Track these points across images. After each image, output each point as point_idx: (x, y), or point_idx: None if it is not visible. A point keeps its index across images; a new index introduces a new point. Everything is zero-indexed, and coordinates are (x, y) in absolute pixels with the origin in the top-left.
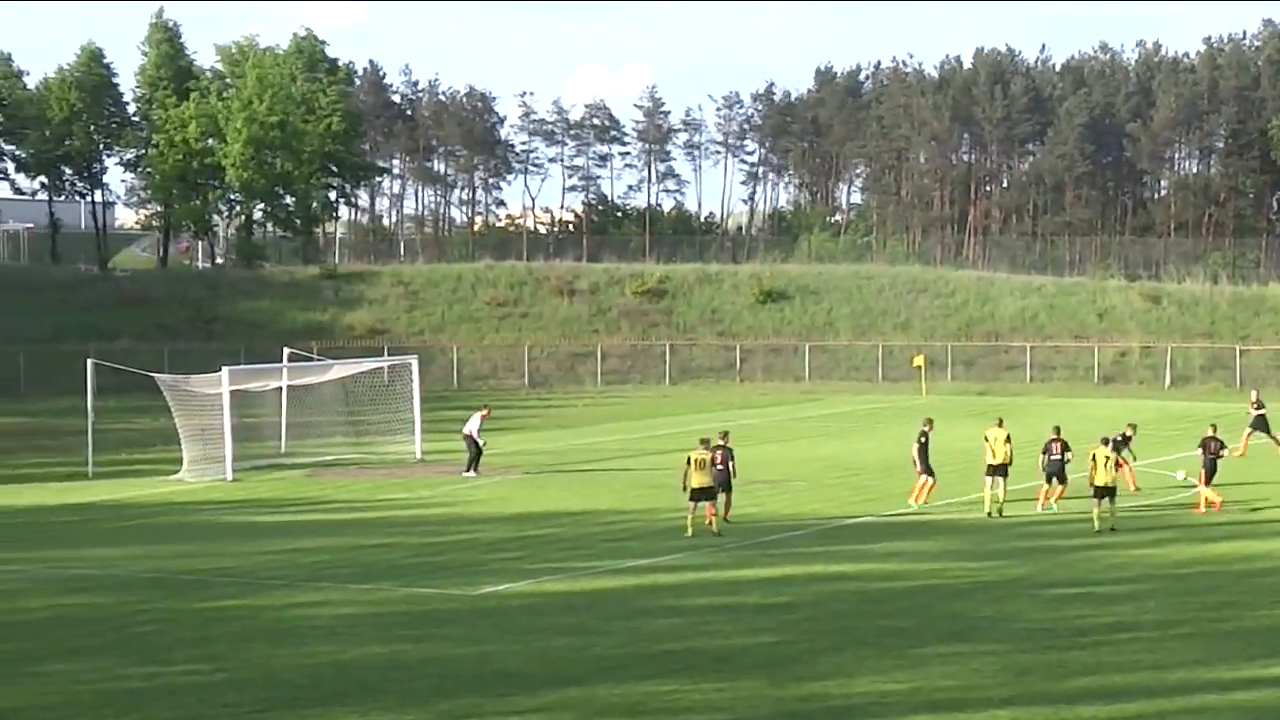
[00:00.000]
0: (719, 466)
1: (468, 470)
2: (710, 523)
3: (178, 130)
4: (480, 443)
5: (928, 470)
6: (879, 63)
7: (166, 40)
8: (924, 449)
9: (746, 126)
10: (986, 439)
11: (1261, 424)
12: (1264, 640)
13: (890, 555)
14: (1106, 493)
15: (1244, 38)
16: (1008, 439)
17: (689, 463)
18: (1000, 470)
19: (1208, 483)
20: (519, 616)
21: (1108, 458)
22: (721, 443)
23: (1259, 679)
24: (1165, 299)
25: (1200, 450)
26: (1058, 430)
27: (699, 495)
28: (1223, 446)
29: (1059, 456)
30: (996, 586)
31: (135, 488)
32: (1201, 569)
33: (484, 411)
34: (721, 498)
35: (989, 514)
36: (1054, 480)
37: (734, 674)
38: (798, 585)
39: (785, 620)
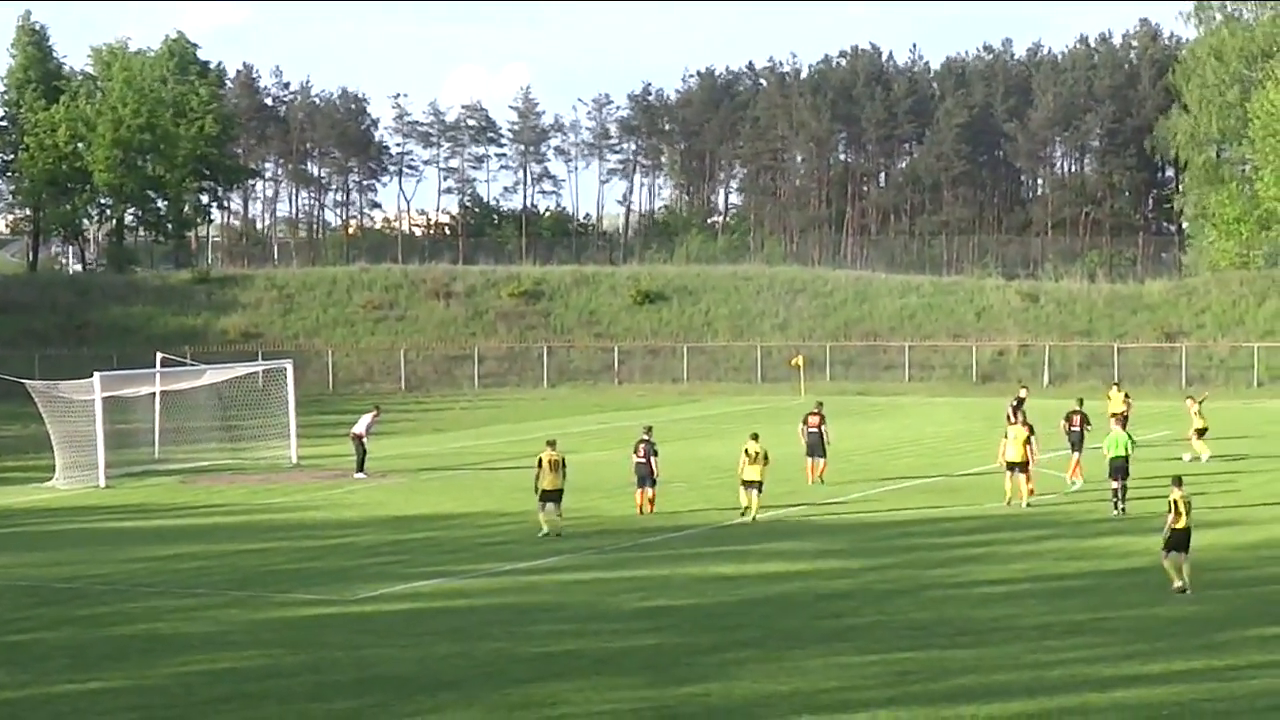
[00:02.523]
0: (641, 459)
1: (359, 472)
2: (555, 523)
3: (47, 134)
4: (366, 443)
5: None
6: (751, 63)
7: (34, 43)
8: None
9: (620, 128)
10: (1007, 436)
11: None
12: (1144, 637)
13: (770, 556)
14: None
15: (1111, 37)
16: (1027, 440)
17: (540, 464)
18: (1018, 467)
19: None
20: (397, 621)
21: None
22: (646, 438)
23: (1140, 676)
24: (1043, 297)
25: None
26: (1080, 402)
27: (548, 497)
28: (1086, 421)
29: (1078, 428)
30: (877, 586)
31: (7, 495)
32: (1080, 566)
33: (374, 413)
34: (648, 491)
35: (1008, 502)
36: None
37: (614, 676)
38: (677, 587)
39: (665, 622)
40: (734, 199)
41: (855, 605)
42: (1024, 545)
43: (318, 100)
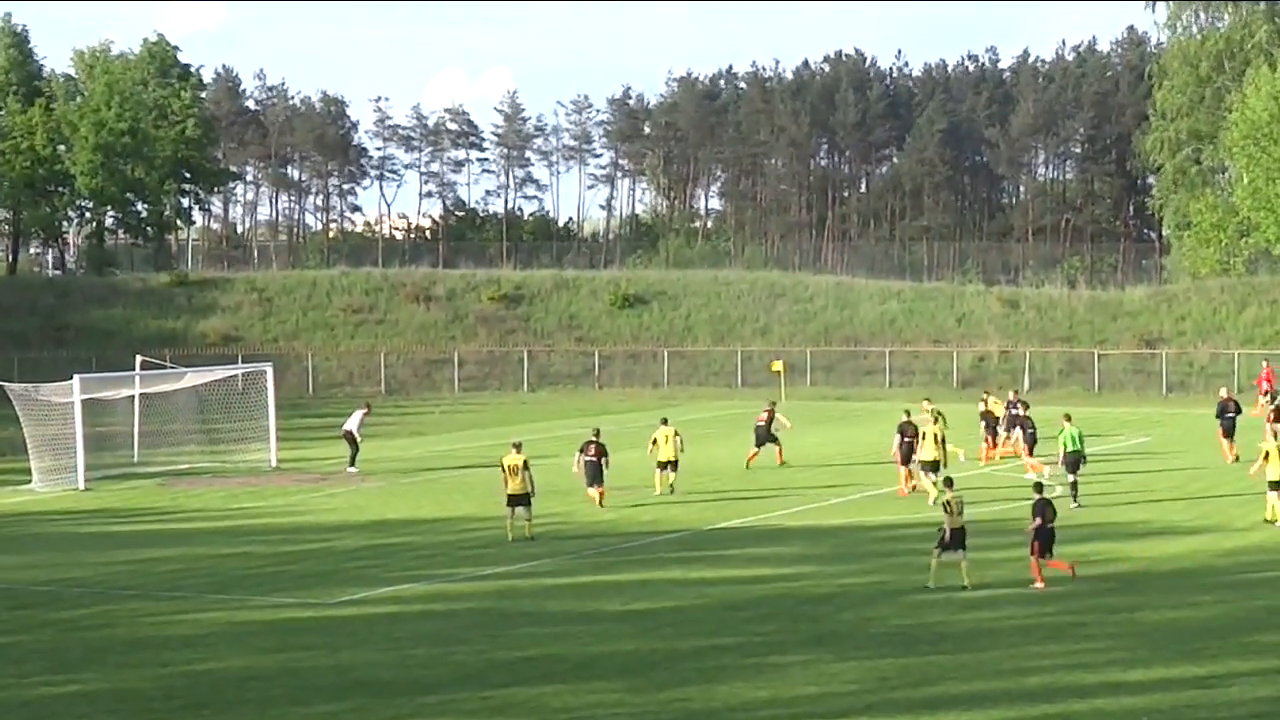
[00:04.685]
0: (591, 459)
1: (351, 466)
2: (527, 528)
3: (24, 137)
4: (359, 439)
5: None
6: (730, 67)
7: (15, 45)
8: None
9: (601, 132)
10: (921, 435)
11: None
12: (1124, 644)
13: (750, 561)
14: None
15: (1096, 44)
16: (942, 438)
17: (504, 469)
18: (933, 467)
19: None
20: (376, 625)
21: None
22: (597, 439)
23: (1121, 683)
24: (1023, 303)
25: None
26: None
27: (515, 501)
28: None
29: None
30: (857, 592)
31: None
32: (1059, 573)
33: (364, 409)
34: (598, 488)
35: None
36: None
37: (594, 680)
38: (657, 592)
39: (645, 627)
40: (715, 203)
41: (835, 610)
42: (1004, 551)
43: (298, 104)
